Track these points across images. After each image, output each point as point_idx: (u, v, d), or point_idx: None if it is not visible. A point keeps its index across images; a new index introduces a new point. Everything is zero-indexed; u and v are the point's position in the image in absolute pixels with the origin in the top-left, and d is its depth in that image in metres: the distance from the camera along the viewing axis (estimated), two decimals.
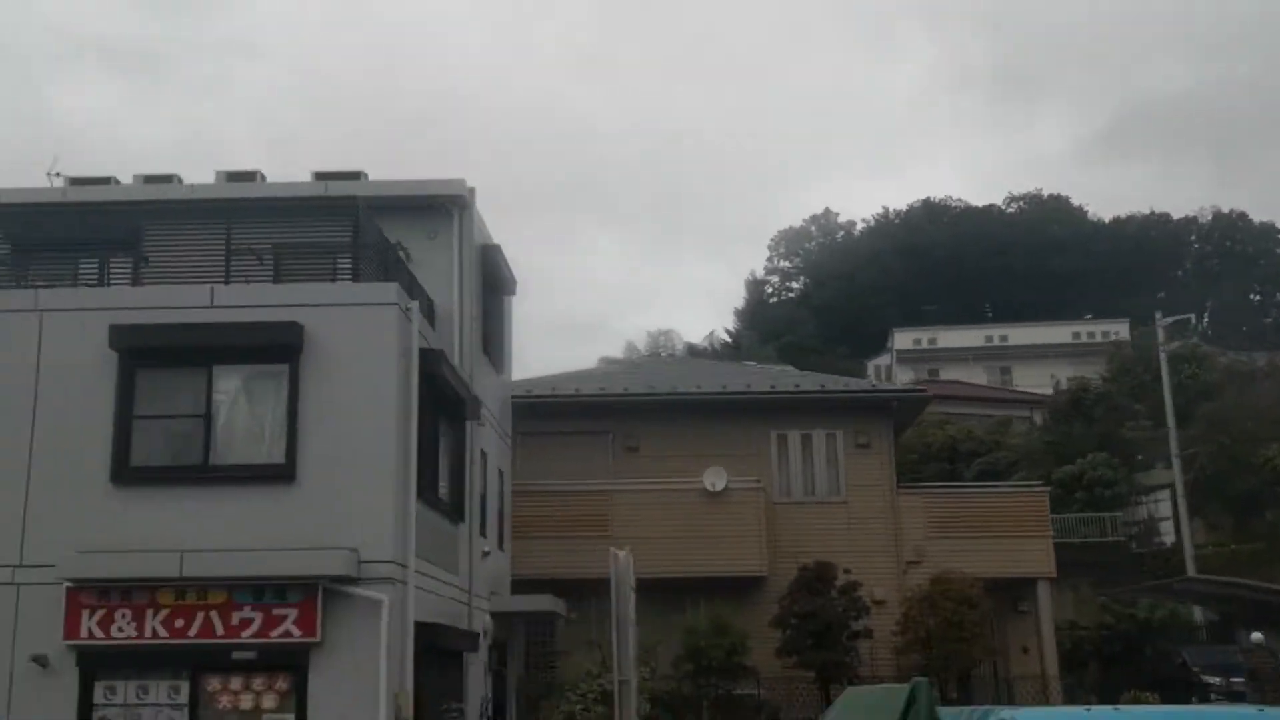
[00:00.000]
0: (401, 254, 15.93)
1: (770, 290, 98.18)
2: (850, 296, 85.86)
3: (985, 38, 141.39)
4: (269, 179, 18.98)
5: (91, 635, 12.39)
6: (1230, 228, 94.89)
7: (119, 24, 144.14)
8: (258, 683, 12.42)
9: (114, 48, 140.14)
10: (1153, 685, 23.05)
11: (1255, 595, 24.29)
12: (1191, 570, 30.60)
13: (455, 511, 16.05)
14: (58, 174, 19.21)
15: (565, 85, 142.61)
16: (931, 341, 68.92)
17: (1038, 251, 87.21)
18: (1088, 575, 31.83)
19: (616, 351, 67.19)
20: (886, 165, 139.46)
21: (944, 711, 7.67)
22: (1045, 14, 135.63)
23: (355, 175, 19.10)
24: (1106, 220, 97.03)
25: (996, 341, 68.88)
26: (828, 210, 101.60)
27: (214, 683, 12.43)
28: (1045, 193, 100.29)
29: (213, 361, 13.16)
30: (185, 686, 12.43)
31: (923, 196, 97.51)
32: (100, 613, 12.44)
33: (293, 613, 12.38)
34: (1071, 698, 22.93)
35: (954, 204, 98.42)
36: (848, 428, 23.16)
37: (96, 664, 12.47)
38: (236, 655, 12.39)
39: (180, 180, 19.16)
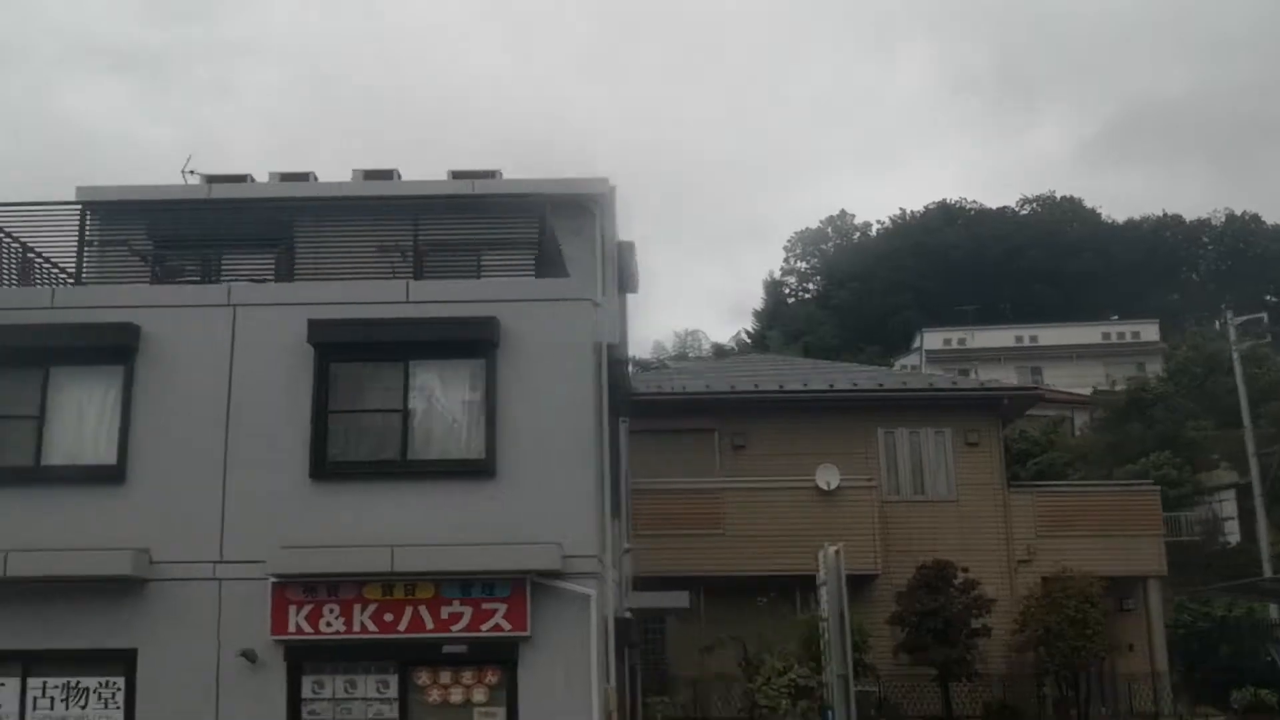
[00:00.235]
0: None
1: (788, 291, 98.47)
2: (869, 297, 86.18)
3: (987, 40, 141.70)
4: (403, 178, 19.12)
5: (300, 630, 12.37)
6: (1243, 230, 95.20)
7: (124, 28, 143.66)
8: (466, 676, 12.41)
9: (121, 52, 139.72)
10: (1241, 683, 23.11)
11: None
12: (1268, 567, 30.70)
13: (615, 508, 16.05)
14: (192, 171, 19.24)
15: (573, 87, 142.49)
16: (962, 342, 69.02)
17: (1054, 253, 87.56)
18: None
19: (643, 352, 67.25)
20: (894, 169, 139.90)
21: None
22: (1045, 14, 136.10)
23: (490, 174, 19.18)
24: (1120, 222, 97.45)
25: (1027, 342, 69.00)
26: (843, 212, 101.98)
27: (423, 676, 12.42)
28: (1058, 194, 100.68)
29: (409, 357, 13.13)
30: (394, 680, 12.42)
31: (937, 199, 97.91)
32: (308, 608, 12.41)
33: (502, 607, 12.37)
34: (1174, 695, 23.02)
35: (969, 205, 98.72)
36: (956, 426, 23.22)
37: (304, 658, 12.45)
38: (447, 649, 12.37)
39: (316, 178, 19.22)
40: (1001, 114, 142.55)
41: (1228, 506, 35.79)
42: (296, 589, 12.45)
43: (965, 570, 20.93)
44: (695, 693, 20.56)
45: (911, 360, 70.61)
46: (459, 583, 12.44)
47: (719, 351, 74.42)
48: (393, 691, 12.39)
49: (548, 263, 15.03)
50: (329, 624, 12.38)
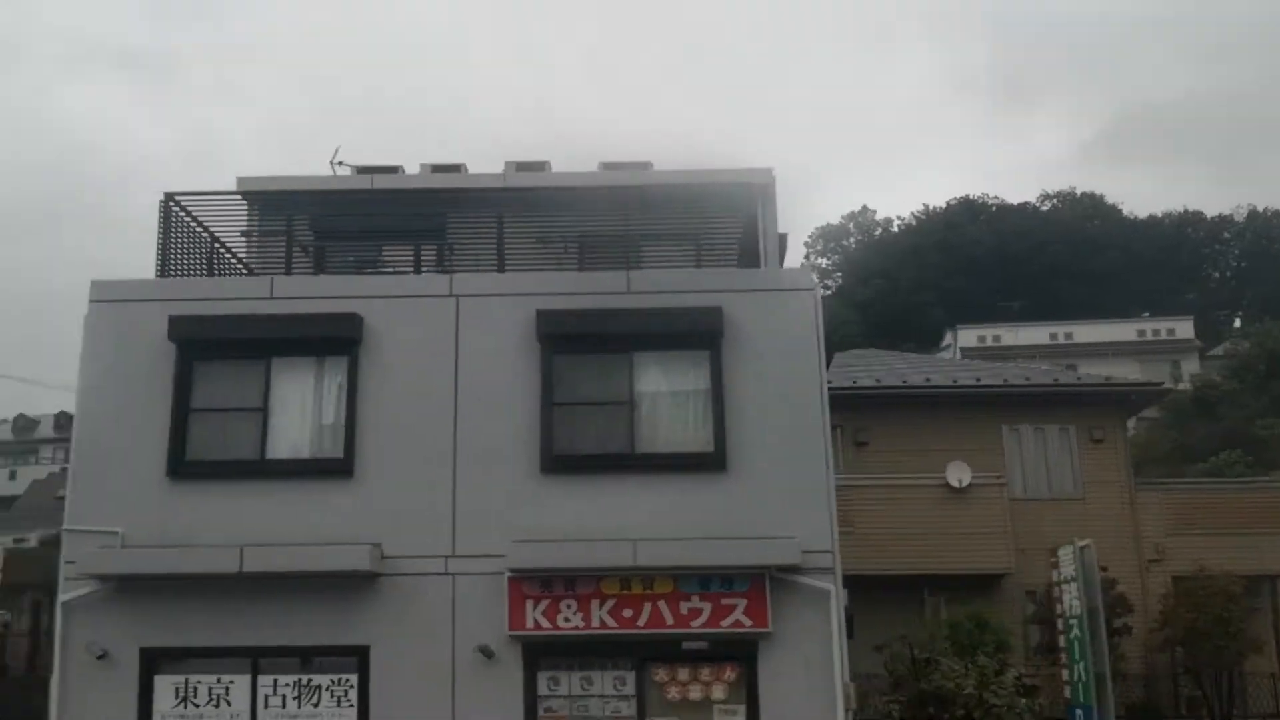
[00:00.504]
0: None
1: None
2: (893, 293, 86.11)
3: (989, 40, 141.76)
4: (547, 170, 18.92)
5: (537, 625, 12.20)
6: (1265, 226, 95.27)
7: (126, 29, 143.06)
8: (705, 673, 12.26)
9: (123, 52, 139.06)
10: None
11: None
12: None
13: None
14: (340, 162, 19.04)
15: (579, 89, 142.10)
16: (996, 339, 68.93)
17: (1077, 249, 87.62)
18: None
19: None
20: (901, 166, 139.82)
21: None
22: (1046, 14, 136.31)
23: (644, 165, 18.99)
24: (1142, 218, 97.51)
25: (1062, 339, 68.95)
26: (865, 207, 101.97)
27: (661, 673, 12.27)
28: (1078, 191, 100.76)
29: (633, 348, 12.98)
30: (630, 677, 12.27)
31: (958, 195, 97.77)
32: (545, 603, 12.25)
33: (742, 602, 12.22)
34: None
35: (991, 201, 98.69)
36: (1080, 422, 23.05)
37: (539, 654, 12.29)
38: (687, 645, 12.23)
39: (466, 170, 19.03)
40: (1007, 113, 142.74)
41: None
42: (533, 584, 12.29)
43: (1104, 569, 20.77)
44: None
45: (945, 357, 70.53)
46: (697, 577, 12.29)
47: None
48: (630, 688, 12.23)
49: (746, 254, 14.90)
50: (567, 619, 12.22)
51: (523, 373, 12.90)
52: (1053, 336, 69.31)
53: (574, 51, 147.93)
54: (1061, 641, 16.17)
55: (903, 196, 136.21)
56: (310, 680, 12.27)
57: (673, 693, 12.22)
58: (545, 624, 12.20)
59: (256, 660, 12.30)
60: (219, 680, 12.31)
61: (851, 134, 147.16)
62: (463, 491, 12.60)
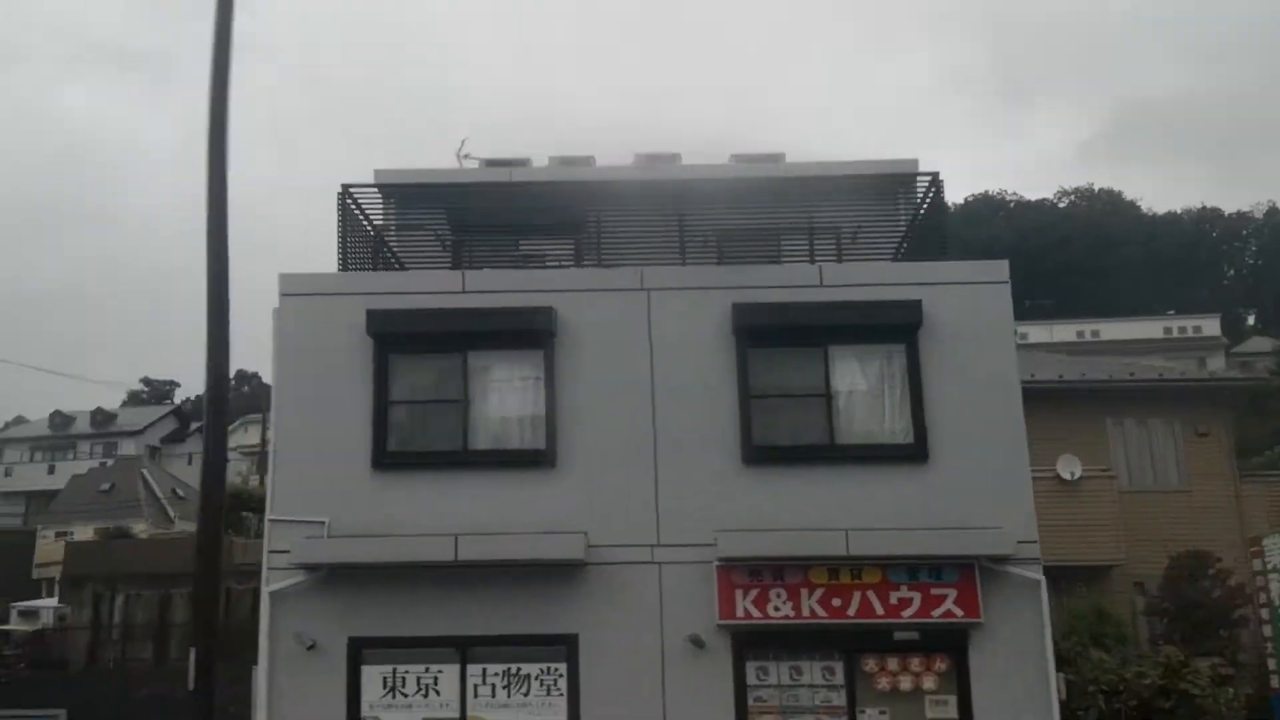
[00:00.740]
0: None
1: None
2: None
3: (989, 39, 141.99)
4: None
5: (748, 615, 12.24)
6: None
7: (125, 27, 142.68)
8: (915, 663, 12.30)
9: (123, 50, 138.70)
10: None
11: None
12: None
13: None
14: (468, 155, 19.00)
15: (579, 89, 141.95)
16: (1023, 336, 68.98)
17: (1096, 245, 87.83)
18: None
19: None
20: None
21: None
22: (1044, 13, 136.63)
23: (776, 157, 18.98)
24: (1160, 214, 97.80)
25: (1088, 336, 69.11)
26: None
27: (870, 663, 12.30)
28: (1096, 187, 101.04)
29: (828, 341, 13.01)
30: (839, 667, 12.30)
31: (977, 191, 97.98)
32: (754, 592, 12.29)
33: (952, 592, 12.27)
34: None
35: (1010, 197, 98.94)
36: (1185, 416, 23.14)
37: (747, 644, 12.32)
38: (898, 635, 12.27)
39: (595, 162, 18.99)
40: (1007, 111, 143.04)
41: None
42: (742, 573, 12.33)
43: (1219, 560, 20.90)
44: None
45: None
46: (905, 568, 12.33)
47: None
48: (839, 678, 12.27)
49: (919, 244, 14.91)
50: (776, 609, 12.25)
51: (718, 365, 12.93)
52: (1079, 334, 69.43)
53: (574, 51, 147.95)
54: (1267, 631, 16.19)
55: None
56: (519, 669, 12.28)
57: (882, 683, 12.25)
58: (755, 613, 12.24)
59: (465, 650, 12.31)
60: (427, 670, 12.32)
61: (852, 133, 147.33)
62: (664, 481, 12.63)
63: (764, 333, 12.96)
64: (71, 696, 29.78)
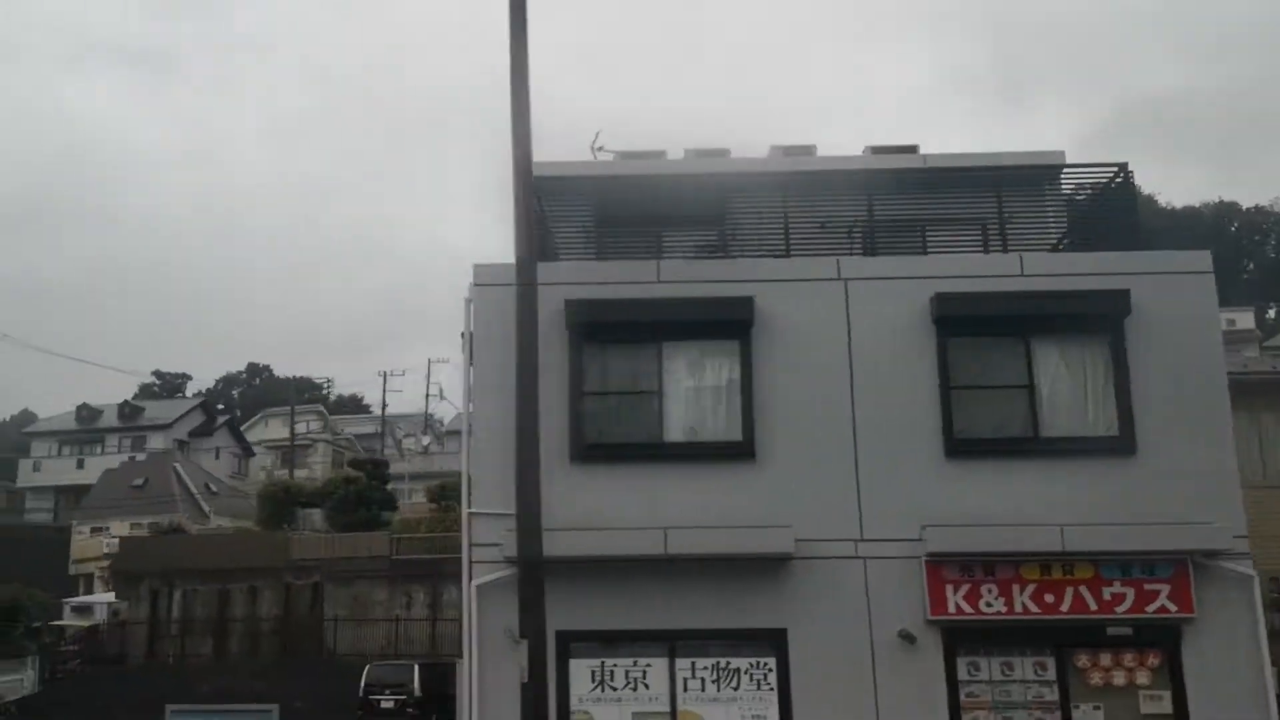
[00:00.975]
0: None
1: None
2: None
3: (989, 38, 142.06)
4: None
5: (959, 610, 12.10)
6: None
7: (126, 26, 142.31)
8: (1128, 659, 12.16)
9: (124, 48, 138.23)
10: None
11: None
12: None
13: None
14: (601, 148, 18.78)
15: (578, 88, 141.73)
16: None
17: None
18: None
19: None
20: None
21: None
22: (1045, 13, 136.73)
23: (911, 148, 18.80)
24: (1179, 208, 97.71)
25: None
26: None
27: (1083, 659, 12.16)
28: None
29: (1030, 332, 12.85)
30: (1050, 662, 12.16)
31: None
32: (965, 587, 12.15)
33: (1165, 588, 12.13)
34: None
35: None
36: None
37: (957, 639, 12.18)
38: (1111, 631, 12.13)
39: (729, 154, 18.78)
40: (1005, 110, 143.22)
41: None
42: (952, 568, 12.18)
43: None
44: None
45: None
46: (1118, 563, 12.19)
47: None
48: (1051, 674, 12.13)
49: (1078, 234, 14.78)
50: (989, 604, 12.12)
51: (917, 356, 12.77)
52: None
53: (572, 49, 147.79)
54: None
55: None
56: (729, 663, 12.14)
57: (1095, 678, 12.12)
58: (967, 609, 12.10)
59: (673, 644, 12.16)
60: (635, 664, 12.17)
61: (850, 133, 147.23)
62: (866, 475, 12.48)
63: (966, 323, 12.79)
64: (132, 692, 29.64)
